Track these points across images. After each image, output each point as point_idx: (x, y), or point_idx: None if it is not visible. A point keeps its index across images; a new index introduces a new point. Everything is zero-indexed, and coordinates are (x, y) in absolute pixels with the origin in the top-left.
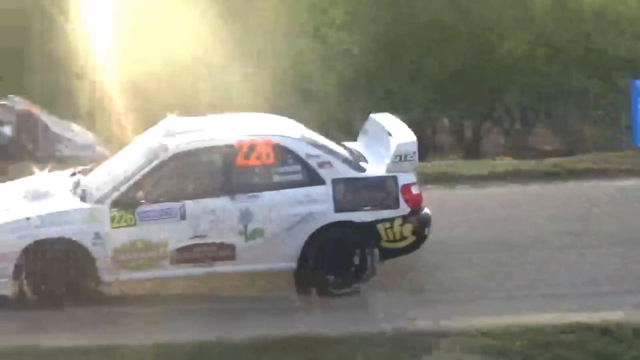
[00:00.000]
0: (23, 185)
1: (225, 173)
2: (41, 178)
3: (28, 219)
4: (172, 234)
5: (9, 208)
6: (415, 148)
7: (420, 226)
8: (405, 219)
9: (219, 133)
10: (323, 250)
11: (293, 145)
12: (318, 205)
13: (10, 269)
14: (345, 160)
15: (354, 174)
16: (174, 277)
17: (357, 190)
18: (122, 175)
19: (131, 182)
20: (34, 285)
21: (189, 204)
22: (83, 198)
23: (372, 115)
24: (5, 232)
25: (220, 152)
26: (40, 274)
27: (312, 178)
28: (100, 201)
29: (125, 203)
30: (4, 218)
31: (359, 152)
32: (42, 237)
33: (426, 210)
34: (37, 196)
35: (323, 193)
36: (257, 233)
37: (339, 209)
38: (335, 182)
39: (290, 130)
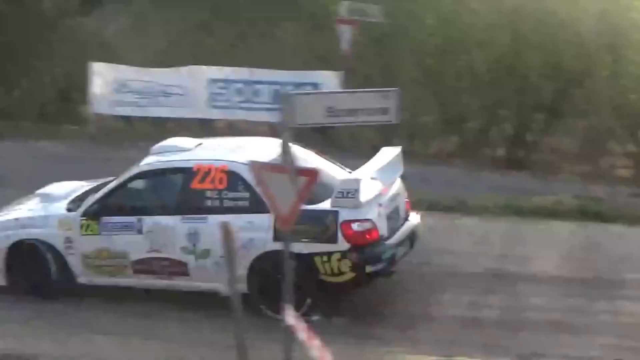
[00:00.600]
0: (50, 189)
1: (182, 194)
2: (65, 185)
3: (17, 219)
4: (131, 246)
5: (21, 208)
6: (357, 186)
7: (360, 263)
8: (343, 254)
9: (190, 155)
10: (262, 277)
11: (244, 172)
12: (259, 232)
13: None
14: (342, 183)
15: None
16: (139, 286)
17: (300, 221)
18: (104, 188)
19: (100, 194)
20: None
21: (146, 219)
22: (72, 208)
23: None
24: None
25: (180, 174)
26: (18, 268)
27: (258, 205)
28: (76, 211)
29: (92, 213)
30: (5, 216)
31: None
32: (23, 237)
33: (383, 247)
34: (44, 200)
35: (265, 221)
36: (205, 253)
37: (277, 238)
38: None
39: (250, 157)
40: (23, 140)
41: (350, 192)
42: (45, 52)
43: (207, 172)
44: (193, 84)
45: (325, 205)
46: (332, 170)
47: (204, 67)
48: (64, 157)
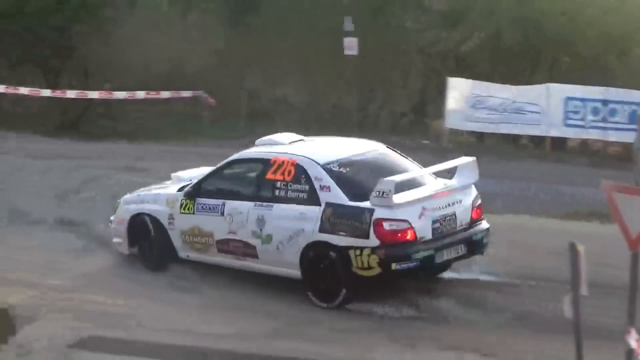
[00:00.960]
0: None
1: (258, 182)
2: (198, 170)
3: (139, 195)
4: (215, 227)
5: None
6: (391, 187)
7: (386, 260)
8: (373, 250)
9: (279, 149)
10: (310, 265)
11: (309, 166)
12: (309, 223)
13: (123, 231)
14: (345, 186)
15: (343, 200)
16: (222, 264)
17: (339, 216)
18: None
19: (201, 177)
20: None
21: (228, 203)
22: (182, 188)
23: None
24: (128, 203)
25: (260, 164)
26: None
27: (313, 198)
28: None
29: (190, 194)
30: (137, 193)
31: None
32: (140, 211)
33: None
34: (174, 181)
35: (315, 213)
36: (269, 238)
37: (322, 229)
38: (327, 205)
39: (324, 154)
40: None
41: (385, 192)
42: (402, 65)
43: (281, 165)
44: (549, 102)
45: (367, 203)
46: (407, 169)
47: (560, 85)
48: None
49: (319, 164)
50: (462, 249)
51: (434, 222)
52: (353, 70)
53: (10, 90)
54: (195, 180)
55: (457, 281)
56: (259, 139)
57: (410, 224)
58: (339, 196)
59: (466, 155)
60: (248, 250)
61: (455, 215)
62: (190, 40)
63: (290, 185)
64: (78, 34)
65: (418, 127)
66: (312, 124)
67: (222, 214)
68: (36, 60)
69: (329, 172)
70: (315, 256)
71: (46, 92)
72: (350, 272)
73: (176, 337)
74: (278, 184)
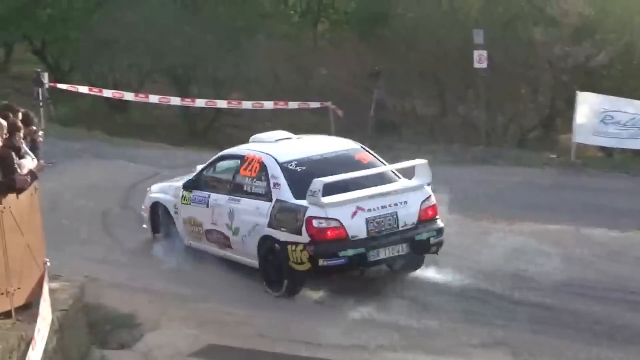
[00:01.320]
0: None
1: (233, 177)
2: None
3: (160, 186)
4: (203, 218)
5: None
6: (320, 187)
7: (315, 256)
8: (304, 246)
9: (260, 146)
10: (263, 256)
11: (269, 164)
12: (262, 218)
13: (147, 218)
14: (295, 185)
15: (288, 197)
16: (210, 253)
17: (282, 212)
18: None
19: (197, 171)
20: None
21: (212, 195)
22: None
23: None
24: (152, 192)
25: (238, 160)
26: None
27: (268, 194)
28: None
29: (188, 186)
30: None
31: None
32: (155, 200)
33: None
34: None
35: (267, 209)
36: (237, 231)
37: (269, 224)
38: (276, 201)
39: (288, 152)
40: (500, 165)
41: (315, 192)
42: (531, 79)
43: (251, 162)
44: None
45: (304, 201)
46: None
47: None
48: (537, 184)
49: (277, 162)
50: (403, 249)
51: (368, 221)
52: (482, 83)
53: (140, 97)
54: (192, 175)
55: None
56: (253, 136)
57: (340, 222)
58: (286, 194)
59: (593, 172)
60: (225, 241)
61: (396, 216)
62: (319, 50)
63: (254, 181)
64: (208, 44)
65: (546, 142)
66: (439, 137)
67: (207, 205)
68: (166, 70)
69: (284, 170)
70: (266, 249)
71: (175, 100)
72: (288, 265)
73: (295, 347)
74: (246, 180)
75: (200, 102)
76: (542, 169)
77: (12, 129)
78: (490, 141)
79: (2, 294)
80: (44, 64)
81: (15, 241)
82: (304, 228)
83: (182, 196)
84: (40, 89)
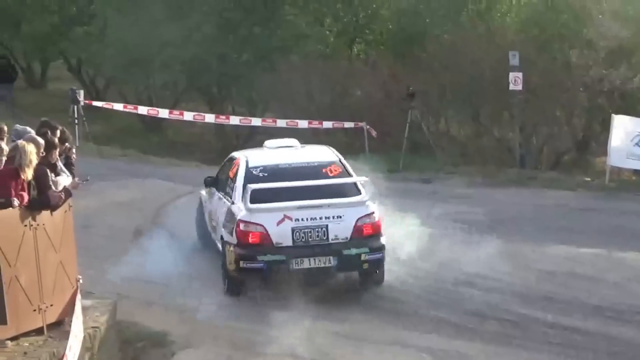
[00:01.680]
0: None
1: (227, 177)
2: None
3: None
4: (216, 213)
5: None
6: (248, 193)
7: (238, 258)
8: (234, 248)
9: (257, 152)
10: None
11: (240, 168)
12: (222, 217)
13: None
14: (245, 189)
15: (238, 200)
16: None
17: (229, 213)
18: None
19: (217, 171)
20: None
21: (217, 194)
22: None
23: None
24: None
25: (232, 163)
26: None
27: (231, 195)
28: None
29: (208, 183)
30: None
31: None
32: (200, 196)
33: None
34: None
35: (226, 209)
36: (214, 228)
37: (224, 225)
38: (232, 203)
39: (262, 159)
40: (534, 187)
41: (245, 197)
42: (566, 101)
43: (236, 165)
44: None
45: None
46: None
47: None
48: (571, 207)
49: (246, 167)
50: (330, 261)
51: (294, 230)
52: (517, 105)
53: (175, 114)
54: (215, 174)
55: None
56: (266, 141)
57: (265, 228)
58: (239, 196)
59: (628, 195)
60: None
61: (326, 228)
62: (354, 70)
63: (230, 182)
64: (244, 63)
65: (580, 164)
66: (473, 158)
67: (213, 202)
68: (201, 89)
69: (248, 174)
70: (222, 248)
71: (210, 118)
72: (226, 265)
73: None
74: (228, 181)
75: (234, 120)
76: (576, 191)
77: (49, 147)
78: (524, 163)
79: (35, 310)
80: (80, 82)
81: (48, 258)
82: (234, 230)
83: (207, 193)
84: (75, 107)
